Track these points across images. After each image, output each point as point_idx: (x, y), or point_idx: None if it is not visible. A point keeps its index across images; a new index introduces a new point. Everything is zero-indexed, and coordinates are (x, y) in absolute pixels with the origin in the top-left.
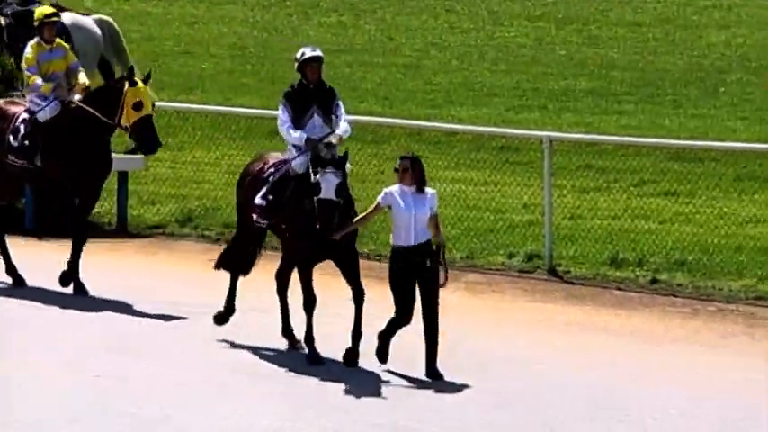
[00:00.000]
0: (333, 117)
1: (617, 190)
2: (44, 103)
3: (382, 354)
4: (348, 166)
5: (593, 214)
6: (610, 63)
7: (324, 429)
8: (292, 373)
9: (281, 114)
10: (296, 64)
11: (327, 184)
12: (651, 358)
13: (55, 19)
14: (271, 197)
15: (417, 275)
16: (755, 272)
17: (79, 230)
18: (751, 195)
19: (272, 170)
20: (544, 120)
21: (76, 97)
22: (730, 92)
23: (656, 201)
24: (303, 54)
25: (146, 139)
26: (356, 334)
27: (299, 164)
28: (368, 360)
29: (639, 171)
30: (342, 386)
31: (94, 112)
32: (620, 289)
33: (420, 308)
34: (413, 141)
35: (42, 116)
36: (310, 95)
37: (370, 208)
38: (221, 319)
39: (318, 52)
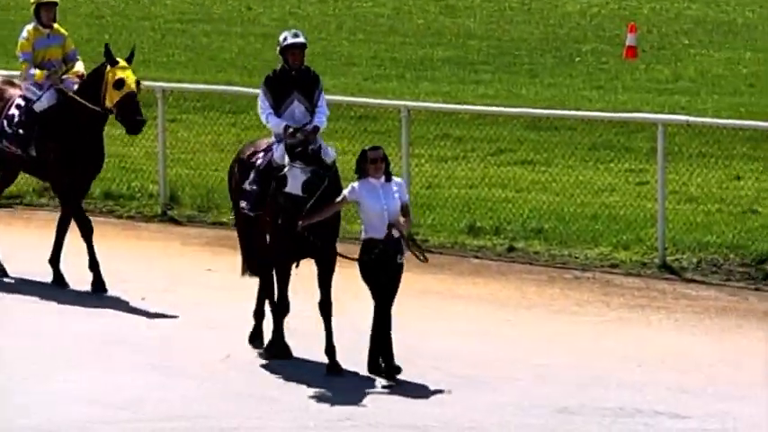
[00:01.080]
0: (315, 104)
1: (474, 159)
2: (40, 92)
3: (375, 369)
4: (332, 154)
5: (450, 183)
6: (467, 32)
7: (184, 398)
8: (158, 343)
9: (261, 101)
10: (277, 48)
11: (294, 180)
12: (508, 325)
13: (54, 0)
14: (255, 187)
15: (389, 268)
16: (611, 240)
17: (85, 226)
18: (606, 164)
19: (261, 156)
20: (402, 89)
21: (72, 86)
22: (585, 61)
23: (512, 169)
24: (285, 39)
25: (126, 118)
26: (330, 348)
27: (279, 155)
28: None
29: (496, 140)
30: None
31: (83, 101)
32: (477, 257)
33: (374, 304)
34: None
35: (39, 106)
36: (292, 81)
37: (336, 200)
38: (255, 337)
39: (300, 39)
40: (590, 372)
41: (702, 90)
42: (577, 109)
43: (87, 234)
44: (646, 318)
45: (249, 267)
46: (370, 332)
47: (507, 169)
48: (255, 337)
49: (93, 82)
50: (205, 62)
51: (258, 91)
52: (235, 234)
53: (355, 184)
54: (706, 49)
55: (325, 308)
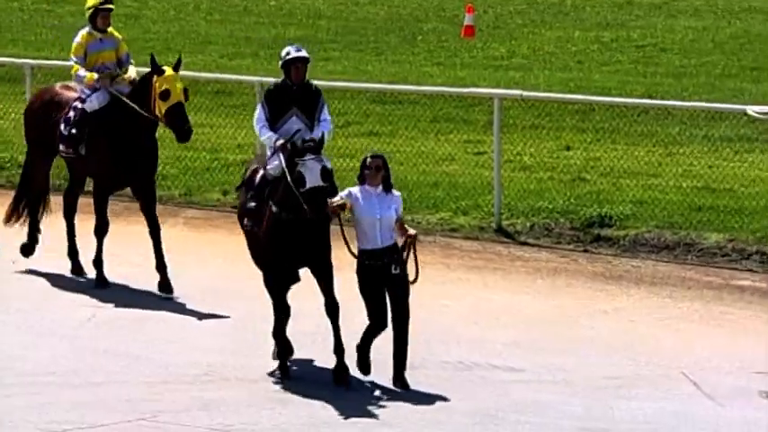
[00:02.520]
0: (315, 120)
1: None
2: (92, 93)
3: (364, 366)
4: (329, 165)
5: None
6: (316, 13)
7: (54, 356)
8: (30, 306)
9: (258, 113)
10: (280, 62)
11: (311, 172)
12: (347, 286)
13: (110, 6)
14: (253, 203)
15: (385, 279)
16: (450, 206)
17: (153, 228)
18: (446, 135)
19: (260, 174)
20: (256, 66)
21: (124, 90)
22: (427, 39)
23: (360, 140)
24: (288, 53)
25: (175, 127)
26: (338, 348)
27: (272, 168)
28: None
29: (345, 113)
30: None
31: (134, 105)
32: None
33: (390, 313)
34: None
35: (90, 106)
36: (292, 96)
37: (336, 203)
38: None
39: (303, 53)
40: (432, 329)
41: (535, 66)
42: (419, 84)
43: (100, 233)
44: (483, 278)
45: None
46: (362, 332)
47: (354, 140)
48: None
49: (141, 89)
50: (70, 41)
51: None
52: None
53: (353, 189)
54: (538, 29)
55: (332, 310)
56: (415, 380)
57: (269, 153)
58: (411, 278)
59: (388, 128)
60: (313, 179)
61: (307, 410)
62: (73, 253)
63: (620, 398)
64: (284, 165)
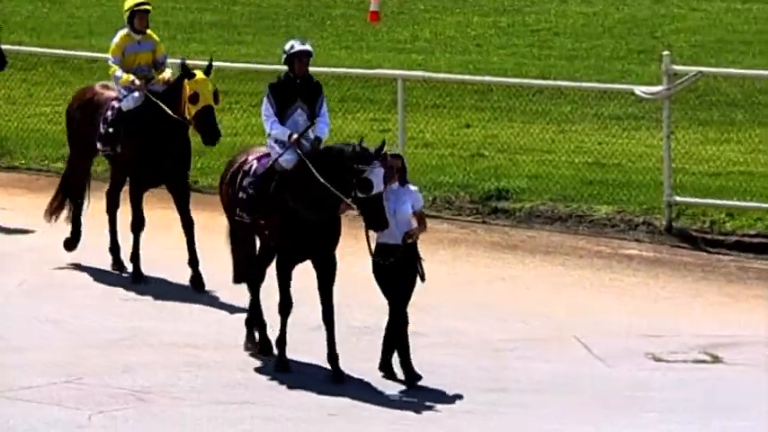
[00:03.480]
0: (316, 113)
1: (238, 110)
2: (128, 93)
3: (386, 367)
4: (325, 129)
5: None
6: None
7: None
8: None
9: (265, 108)
10: (283, 56)
11: (377, 178)
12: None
13: (147, 8)
14: (251, 191)
15: (399, 273)
16: None
17: (187, 224)
18: (354, 114)
19: (255, 163)
20: (174, 49)
21: (158, 90)
22: (335, 24)
23: None
24: (292, 47)
25: (203, 130)
26: (332, 356)
27: (286, 160)
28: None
29: (257, 94)
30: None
31: (165, 107)
32: None
33: (389, 307)
34: (58, 68)
35: (125, 105)
36: (296, 89)
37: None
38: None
39: (307, 46)
40: (341, 293)
41: (437, 49)
42: (328, 66)
43: (135, 229)
44: None
45: (241, 275)
46: (384, 333)
47: None
48: (265, 345)
49: (173, 91)
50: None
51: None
52: (27, 177)
53: None
54: (440, 14)
55: (329, 318)
56: (320, 342)
57: (273, 145)
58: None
59: None
60: (378, 185)
61: (222, 373)
62: (115, 249)
63: (516, 359)
64: (306, 158)
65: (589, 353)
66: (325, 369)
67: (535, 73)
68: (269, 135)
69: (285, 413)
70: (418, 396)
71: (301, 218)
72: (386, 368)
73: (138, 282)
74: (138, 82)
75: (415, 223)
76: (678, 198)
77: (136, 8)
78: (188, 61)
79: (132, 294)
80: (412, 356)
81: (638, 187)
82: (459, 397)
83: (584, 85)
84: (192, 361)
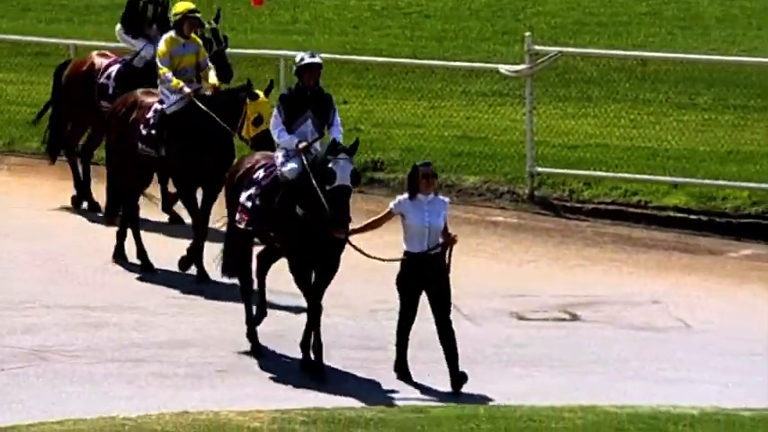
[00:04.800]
0: (327, 124)
1: None
2: (173, 96)
3: (402, 370)
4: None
5: None
6: None
7: None
8: None
9: (275, 117)
10: (294, 68)
11: (342, 171)
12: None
13: (197, 15)
14: (258, 202)
15: (427, 283)
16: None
17: (204, 221)
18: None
19: (262, 171)
20: (70, 30)
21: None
22: (223, 8)
23: None
24: (302, 59)
25: (257, 148)
26: (317, 345)
27: (290, 170)
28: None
29: None
30: None
31: (215, 116)
32: None
33: (433, 317)
34: None
35: (170, 109)
36: (306, 100)
37: (382, 213)
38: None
39: (317, 59)
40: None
41: (316, 31)
42: None
43: (201, 235)
44: None
45: (228, 269)
46: (396, 336)
47: None
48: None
49: (228, 103)
50: None
51: None
52: None
53: (402, 198)
54: None
55: (315, 311)
56: (213, 306)
57: (280, 155)
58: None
59: None
60: (343, 178)
61: (119, 334)
62: (142, 252)
63: (391, 319)
64: (308, 167)
65: (459, 312)
66: (217, 332)
67: (407, 53)
68: (278, 145)
69: (178, 371)
70: (296, 354)
71: (310, 226)
72: (401, 368)
73: (204, 282)
74: (187, 90)
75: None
76: (539, 168)
77: (188, 14)
78: (84, 42)
79: (30, 258)
80: (292, 318)
81: (503, 159)
82: (338, 353)
83: (453, 64)
84: (90, 322)
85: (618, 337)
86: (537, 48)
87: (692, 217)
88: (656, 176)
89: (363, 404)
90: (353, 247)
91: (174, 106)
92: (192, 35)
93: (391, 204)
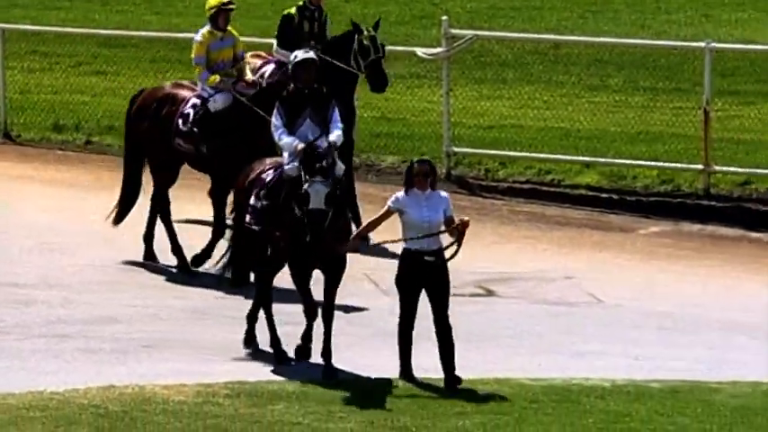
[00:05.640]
0: (327, 123)
1: (58, 70)
2: (217, 95)
3: (408, 375)
4: (340, 167)
5: (39, 90)
6: None
7: None
8: None
9: (275, 119)
10: (289, 68)
11: (316, 195)
12: (84, 202)
13: (232, 7)
14: (265, 202)
15: (427, 280)
16: None
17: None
18: (164, 74)
19: (271, 172)
20: None
21: (245, 92)
22: None
23: (89, 79)
24: (296, 57)
25: None
26: (326, 352)
27: (291, 168)
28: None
29: (76, 55)
30: None
31: (262, 113)
32: (61, 149)
33: (431, 314)
34: None
35: (213, 105)
36: (304, 100)
37: (380, 213)
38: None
39: (311, 54)
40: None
41: (239, 14)
42: (140, 30)
43: (216, 236)
44: (191, 195)
45: (240, 278)
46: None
47: (85, 79)
48: (250, 340)
49: (271, 93)
50: None
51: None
52: None
53: (399, 194)
54: None
55: (328, 314)
56: (137, 282)
57: (286, 156)
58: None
59: (114, 68)
60: (316, 202)
61: (47, 311)
62: (177, 248)
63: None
64: (302, 169)
65: (377, 288)
66: (142, 308)
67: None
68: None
69: (103, 346)
70: (220, 329)
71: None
72: (407, 374)
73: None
74: (224, 80)
75: (443, 227)
76: (456, 149)
77: (222, 7)
78: (9, 26)
79: None
80: (217, 295)
81: (421, 139)
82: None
83: (400, 49)
84: (19, 299)
85: (532, 312)
86: (453, 31)
87: (604, 195)
88: (569, 156)
89: (286, 378)
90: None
91: (218, 104)
92: (229, 28)
93: (389, 202)
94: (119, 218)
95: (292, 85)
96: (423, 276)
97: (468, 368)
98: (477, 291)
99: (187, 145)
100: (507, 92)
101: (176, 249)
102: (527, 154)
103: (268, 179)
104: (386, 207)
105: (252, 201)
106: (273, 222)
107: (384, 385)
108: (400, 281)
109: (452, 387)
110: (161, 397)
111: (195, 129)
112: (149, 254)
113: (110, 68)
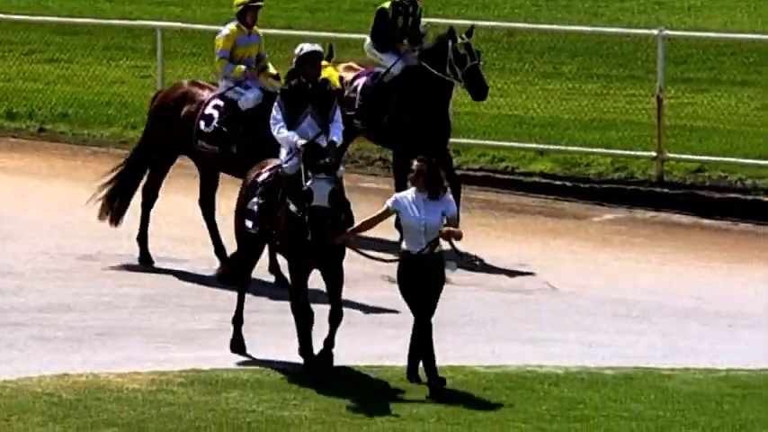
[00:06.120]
0: (329, 120)
1: (11, 58)
2: (244, 91)
3: (413, 374)
4: (341, 169)
5: None
6: None
7: None
8: None
9: (275, 113)
10: (294, 60)
11: (320, 192)
12: (37, 189)
13: (260, 4)
14: (262, 201)
15: (425, 283)
16: (122, 122)
17: None
18: (117, 61)
19: (267, 174)
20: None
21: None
22: None
23: (42, 66)
24: (302, 49)
25: None
26: (327, 355)
27: (289, 165)
28: None
29: (29, 43)
30: None
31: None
32: (14, 137)
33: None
34: None
35: (244, 104)
36: (307, 94)
37: (378, 212)
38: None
39: (317, 47)
40: (104, 224)
41: (193, 2)
42: (95, 17)
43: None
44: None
45: (230, 277)
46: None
47: (38, 66)
48: (238, 344)
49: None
50: None
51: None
52: None
53: (398, 195)
54: None
55: (335, 318)
56: (91, 271)
57: (284, 153)
58: (453, 270)
59: (67, 55)
60: (320, 198)
61: (0, 299)
62: (221, 250)
63: (268, 282)
64: (302, 165)
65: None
66: (96, 296)
67: (282, 24)
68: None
69: (58, 334)
70: (174, 317)
71: (303, 223)
72: (412, 375)
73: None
74: (251, 68)
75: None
76: None
77: (250, 4)
78: None
79: None
80: (172, 281)
81: None
82: (214, 316)
83: (327, 34)
84: None
85: (487, 299)
86: None
87: (557, 183)
88: (523, 143)
89: (240, 366)
90: (356, 250)
91: (249, 101)
92: (255, 26)
93: (388, 202)
94: (117, 217)
95: (295, 80)
96: (422, 279)
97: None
98: (368, 253)
99: (211, 146)
100: None
101: (142, 239)
102: (481, 141)
103: (262, 179)
104: (384, 207)
105: (249, 206)
106: (270, 220)
107: (338, 373)
108: (401, 286)
109: (438, 394)
110: (115, 385)
111: (224, 129)
112: (144, 255)
113: (63, 56)
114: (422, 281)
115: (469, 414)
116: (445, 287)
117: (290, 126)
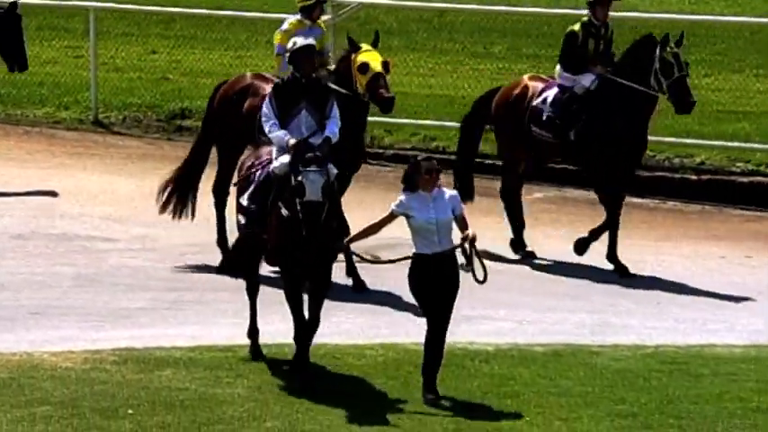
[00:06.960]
0: (325, 117)
1: None
2: None
3: (430, 389)
4: (333, 170)
5: None
6: None
7: None
8: None
9: (266, 107)
10: (287, 56)
11: (312, 185)
12: None
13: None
14: (254, 206)
15: (441, 286)
16: (54, 102)
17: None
18: (50, 42)
19: (260, 169)
20: None
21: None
22: None
23: None
24: (295, 44)
25: (374, 98)
26: (302, 362)
27: (279, 167)
28: None
29: None
30: None
31: (340, 88)
32: None
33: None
34: None
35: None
36: (301, 90)
37: (383, 216)
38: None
39: (311, 40)
40: (38, 203)
41: None
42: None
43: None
44: (83, 163)
45: (232, 265)
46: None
47: None
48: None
49: (343, 70)
50: None
51: None
52: None
53: (402, 197)
54: None
55: (313, 326)
56: (25, 250)
57: (275, 151)
58: (480, 278)
59: None
60: (312, 192)
61: None
62: (223, 242)
63: (198, 261)
64: (293, 162)
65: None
66: (30, 275)
67: (215, 4)
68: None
69: None
70: (107, 296)
71: (294, 225)
72: (431, 389)
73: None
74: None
75: (454, 226)
76: None
77: (306, 4)
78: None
79: None
80: (104, 261)
81: None
82: (147, 294)
83: (257, 15)
84: None
85: None
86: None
87: (488, 162)
88: (454, 123)
89: (173, 344)
90: (360, 257)
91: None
92: (318, 21)
93: (392, 205)
94: (181, 210)
95: (289, 75)
96: (438, 281)
97: (355, 334)
98: (367, 257)
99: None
100: (392, 59)
101: (222, 243)
102: (412, 121)
103: (253, 178)
104: (389, 211)
105: (242, 200)
106: (262, 226)
107: (272, 351)
108: (415, 289)
109: (432, 404)
110: (49, 364)
111: None
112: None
113: None
114: (438, 283)
115: (401, 391)
116: (382, 267)
117: (283, 123)
